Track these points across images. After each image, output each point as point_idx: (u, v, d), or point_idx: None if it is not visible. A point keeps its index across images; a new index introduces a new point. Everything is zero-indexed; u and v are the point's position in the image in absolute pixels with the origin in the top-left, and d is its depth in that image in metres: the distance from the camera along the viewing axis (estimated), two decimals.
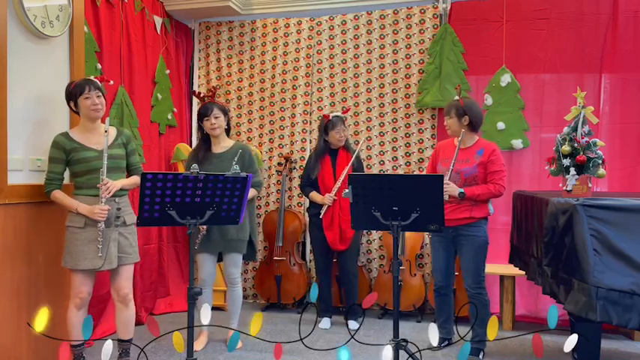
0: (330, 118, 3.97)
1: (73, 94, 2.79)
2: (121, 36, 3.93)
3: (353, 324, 4.05)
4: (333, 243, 3.96)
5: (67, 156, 2.77)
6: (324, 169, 4.00)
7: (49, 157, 2.79)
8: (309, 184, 4.08)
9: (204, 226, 3.34)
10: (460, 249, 3.28)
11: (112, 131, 2.91)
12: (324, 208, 3.94)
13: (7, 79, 2.64)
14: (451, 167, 3.18)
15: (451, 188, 3.14)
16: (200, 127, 3.54)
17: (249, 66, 4.96)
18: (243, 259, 3.60)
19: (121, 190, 2.83)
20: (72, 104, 2.82)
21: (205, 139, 3.55)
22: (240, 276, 3.61)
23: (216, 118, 3.45)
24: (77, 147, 2.77)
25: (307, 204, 4.74)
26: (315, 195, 4.03)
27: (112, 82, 3.15)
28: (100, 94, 2.82)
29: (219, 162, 3.44)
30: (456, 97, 3.34)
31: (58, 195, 2.78)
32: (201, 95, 3.67)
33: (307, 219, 4.60)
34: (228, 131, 3.60)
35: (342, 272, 4.11)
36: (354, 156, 3.97)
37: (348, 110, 4.43)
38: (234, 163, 3.32)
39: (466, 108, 3.26)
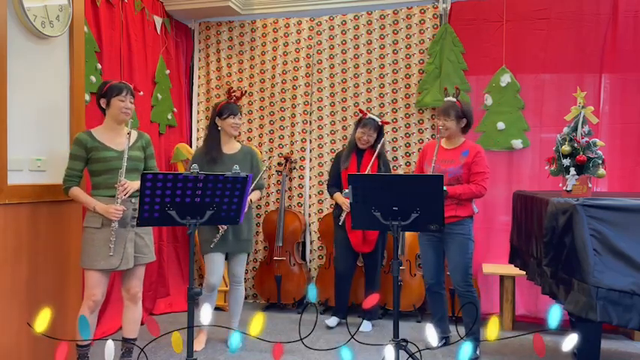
0: (367, 116, 3.90)
1: (109, 92, 2.83)
2: (121, 36, 3.93)
3: (367, 326, 3.99)
4: (356, 245, 3.92)
5: (87, 154, 2.80)
6: (348, 167, 3.92)
7: (70, 153, 2.83)
8: (334, 184, 4.02)
9: (225, 226, 3.34)
10: (447, 248, 3.31)
11: (133, 134, 2.93)
12: (343, 214, 3.86)
13: (7, 79, 2.64)
14: (432, 165, 3.24)
15: None
16: (214, 125, 3.49)
17: (249, 66, 4.96)
18: None
19: (137, 191, 2.84)
20: (103, 102, 2.85)
21: (216, 138, 3.50)
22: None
23: (240, 119, 3.51)
24: (98, 146, 2.81)
25: (307, 204, 4.76)
26: (338, 196, 3.95)
27: (141, 93, 3.19)
28: (133, 100, 2.90)
29: (231, 163, 3.37)
30: (452, 98, 3.33)
31: (77, 192, 2.81)
32: (233, 93, 3.60)
33: (309, 219, 4.61)
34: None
35: (369, 275, 4.06)
36: (374, 155, 3.84)
37: (387, 123, 4.22)
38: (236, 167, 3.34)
39: (465, 111, 3.29)
